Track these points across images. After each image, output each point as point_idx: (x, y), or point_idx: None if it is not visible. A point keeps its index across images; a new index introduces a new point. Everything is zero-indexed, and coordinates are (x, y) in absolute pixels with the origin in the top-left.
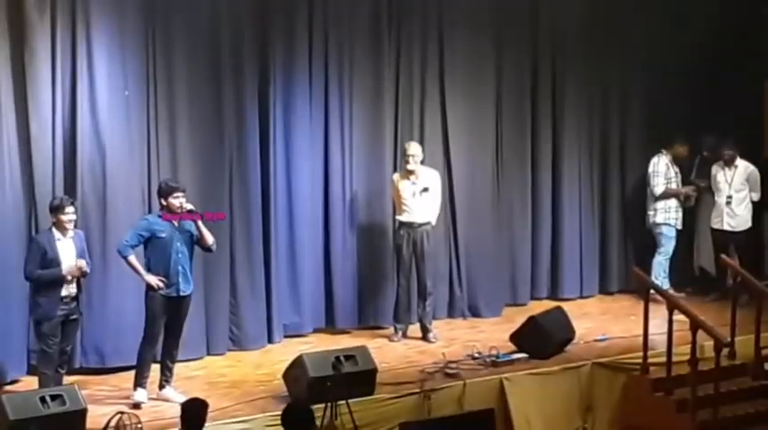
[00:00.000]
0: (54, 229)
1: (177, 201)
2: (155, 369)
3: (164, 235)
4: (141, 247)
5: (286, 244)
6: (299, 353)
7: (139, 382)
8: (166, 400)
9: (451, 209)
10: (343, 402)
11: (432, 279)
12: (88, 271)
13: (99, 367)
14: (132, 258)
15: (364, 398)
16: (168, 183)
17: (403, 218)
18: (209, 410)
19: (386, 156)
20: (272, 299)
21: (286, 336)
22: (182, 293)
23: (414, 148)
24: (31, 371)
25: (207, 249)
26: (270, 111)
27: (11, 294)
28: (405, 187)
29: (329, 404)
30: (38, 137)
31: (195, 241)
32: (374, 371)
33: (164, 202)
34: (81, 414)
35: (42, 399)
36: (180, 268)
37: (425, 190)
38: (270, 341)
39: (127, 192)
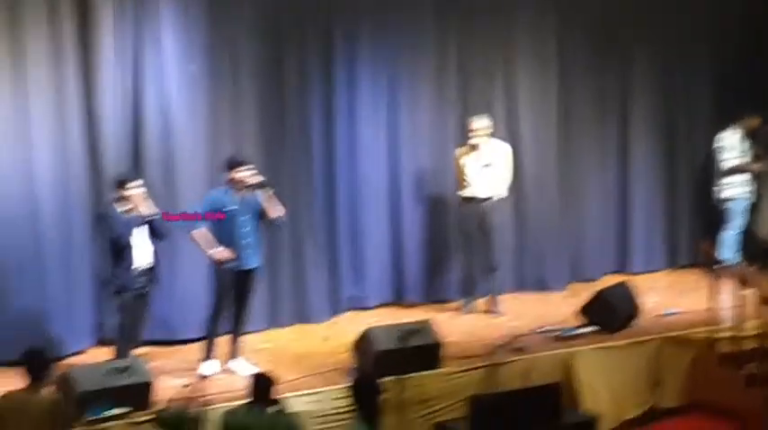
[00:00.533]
0: (116, 205)
1: (241, 174)
2: (223, 341)
3: (230, 209)
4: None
5: (351, 218)
6: (366, 327)
7: (208, 355)
8: (234, 373)
9: (518, 182)
10: (410, 376)
11: (498, 253)
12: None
13: (167, 340)
14: (196, 233)
15: (431, 372)
16: (235, 157)
17: (466, 193)
18: (276, 383)
19: (450, 130)
20: (338, 272)
21: (352, 310)
22: (248, 267)
23: (477, 123)
24: (98, 342)
25: (273, 223)
26: (334, 85)
27: (76, 268)
28: (468, 162)
29: (396, 377)
30: (104, 110)
31: (261, 215)
32: (440, 344)
33: (230, 176)
34: (147, 386)
35: (110, 372)
36: (246, 241)
37: (487, 165)
38: (335, 314)
39: (192, 167)
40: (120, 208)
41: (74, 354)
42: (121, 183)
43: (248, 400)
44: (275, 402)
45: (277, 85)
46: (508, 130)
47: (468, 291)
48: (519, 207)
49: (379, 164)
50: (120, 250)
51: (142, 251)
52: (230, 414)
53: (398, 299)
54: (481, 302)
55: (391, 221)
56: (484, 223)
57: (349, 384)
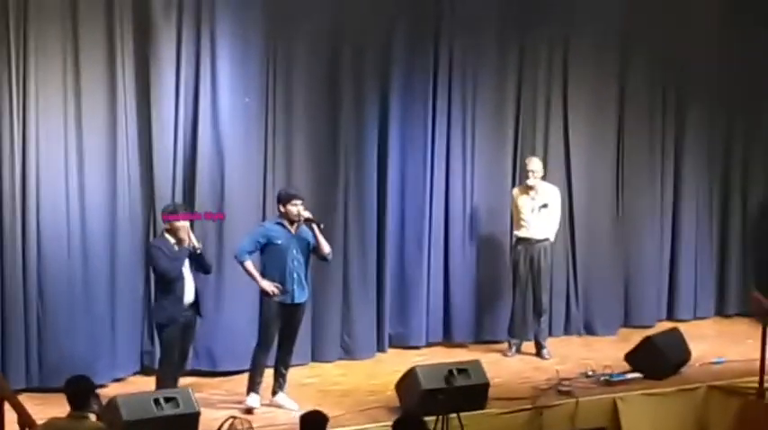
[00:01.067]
0: (167, 235)
1: (295, 208)
2: (268, 374)
3: (280, 242)
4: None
5: (401, 255)
6: (413, 365)
7: (252, 387)
8: (279, 407)
9: (570, 225)
10: (455, 415)
11: (548, 295)
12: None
13: (210, 370)
14: (249, 264)
15: (476, 412)
16: (287, 190)
17: (521, 233)
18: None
19: (507, 170)
20: (385, 309)
21: (400, 347)
22: (296, 301)
23: (534, 164)
24: (143, 370)
25: (323, 258)
26: (389, 123)
27: (124, 293)
28: (524, 202)
29: (440, 417)
30: (159, 140)
31: (312, 249)
32: (487, 385)
33: (282, 209)
34: (194, 417)
35: (156, 401)
36: (295, 275)
37: (545, 206)
38: (380, 351)
39: (243, 199)
40: (170, 239)
41: (115, 381)
42: (169, 213)
43: None
44: None
45: (331, 120)
46: (564, 171)
47: (517, 332)
48: (571, 251)
49: (432, 200)
50: (170, 282)
51: (189, 284)
52: None
53: (446, 338)
54: (529, 344)
55: (442, 259)
56: (536, 265)
57: (393, 422)
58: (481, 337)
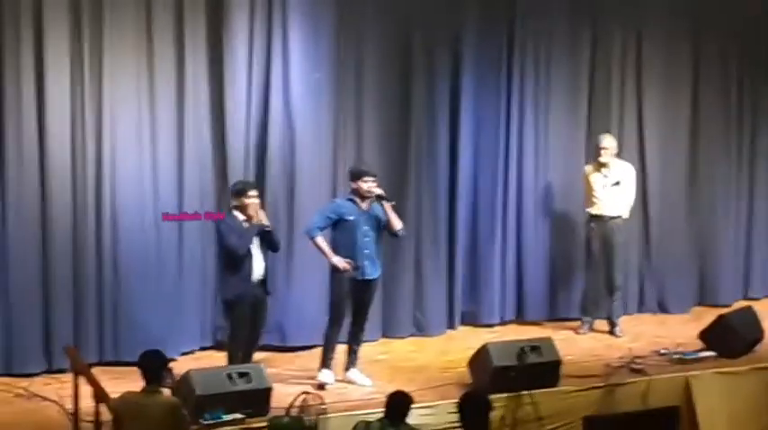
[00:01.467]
0: (235, 212)
1: (366, 185)
2: (340, 350)
3: (351, 218)
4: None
5: (473, 232)
6: (485, 342)
7: (325, 363)
8: (351, 382)
9: (644, 203)
10: (527, 393)
11: (621, 273)
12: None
13: (280, 345)
14: (320, 239)
15: (548, 390)
16: (359, 166)
17: (593, 210)
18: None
19: (580, 147)
20: (458, 286)
21: (471, 325)
22: (367, 277)
23: (607, 141)
24: (216, 345)
25: (394, 235)
26: (460, 99)
27: (195, 268)
28: (596, 179)
29: (512, 394)
30: (232, 117)
31: (383, 226)
32: (559, 362)
33: (353, 185)
34: (266, 392)
35: (229, 376)
36: (366, 251)
37: (617, 183)
38: (451, 328)
39: (314, 175)
40: (239, 217)
41: (184, 354)
42: (240, 192)
43: (383, 416)
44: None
45: (402, 97)
46: (637, 148)
47: (590, 310)
48: (645, 228)
49: (506, 178)
50: (238, 259)
51: (258, 261)
52: (363, 426)
53: (519, 315)
54: (602, 322)
55: (515, 236)
56: (609, 242)
57: (459, 399)
58: (555, 315)
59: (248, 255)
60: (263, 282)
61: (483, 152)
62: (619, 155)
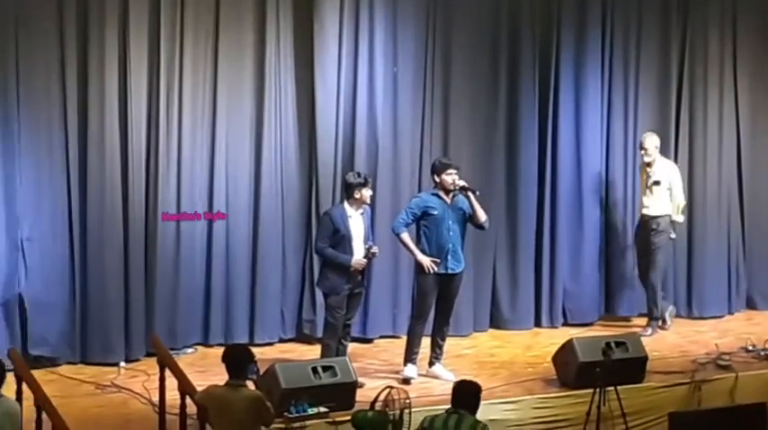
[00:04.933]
0: (346, 205)
1: (450, 177)
2: (425, 345)
3: (436, 212)
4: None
5: (560, 226)
6: (570, 337)
7: (409, 358)
8: (435, 377)
9: (740, 197)
10: (612, 388)
11: (656, 272)
12: (372, 258)
13: (360, 337)
14: (405, 236)
15: (633, 386)
16: (441, 160)
17: (642, 210)
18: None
19: (669, 142)
20: (544, 281)
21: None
22: (451, 271)
23: (647, 141)
24: (299, 337)
25: (479, 226)
26: (549, 93)
27: (286, 260)
28: (642, 179)
29: (598, 390)
30: (323, 110)
31: (468, 218)
32: (645, 358)
33: (437, 179)
34: (352, 386)
35: (314, 370)
36: (450, 246)
37: (656, 183)
38: (538, 324)
39: (397, 170)
40: (348, 209)
41: (267, 345)
42: (358, 185)
43: (450, 407)
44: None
45: (490, 90)
46: (735, 142)
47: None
48: (741, 225)
49: (593, 170)
50: (334, 261)
51: (358, 255)
52: (429, 419)
53: (608, 311)
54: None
55: (603, 231)
56: (647, 241)
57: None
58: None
59: (350, 246)
60: (363, 272)
61: (567, 148)
62: (705, 151)
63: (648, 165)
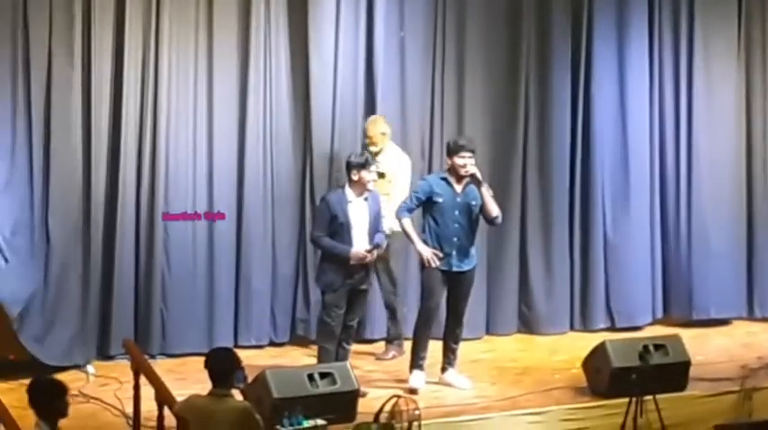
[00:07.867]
0: (348, 189)
1: (462, 160)
2: (435, 349)
3: (441, 200)
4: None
5: (588, 220)
6: (602, 340)
7: (415, 364)
8: (448, 385)
9: None
10: (650, 397)
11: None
12: (375, 256)
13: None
14: (407, 222)
15: (674, 395)
16: (456, 140)
17: None
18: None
19: (730, 122)
20: (574, 279)
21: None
22: (457, 269)
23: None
24: (294, 340)
25: (491, 222)
26: (580, 67)
27: (276, 253)
28: None
29: (633, 399)
30: (318, 81)
31: (478, 213)
32: (687, 363)
33: (449, 161)
34: (353, 395)
35: (311, 377)
36: (455, 240)
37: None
38: (571, 327)
39: (404, 149)
40: (349, 194)
41: (256, 347)
42: (357, 166)
43: None
44: None
45: (511, 62)
46: None
47: None
48: None
49: (639, 161)
50: (332, 252)
51: (361, 244)
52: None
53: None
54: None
55: (649, 226)
56: None
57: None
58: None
59: (349, 241)
60: (366, 267)
61: (608, 130)
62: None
63: (375, 155)
